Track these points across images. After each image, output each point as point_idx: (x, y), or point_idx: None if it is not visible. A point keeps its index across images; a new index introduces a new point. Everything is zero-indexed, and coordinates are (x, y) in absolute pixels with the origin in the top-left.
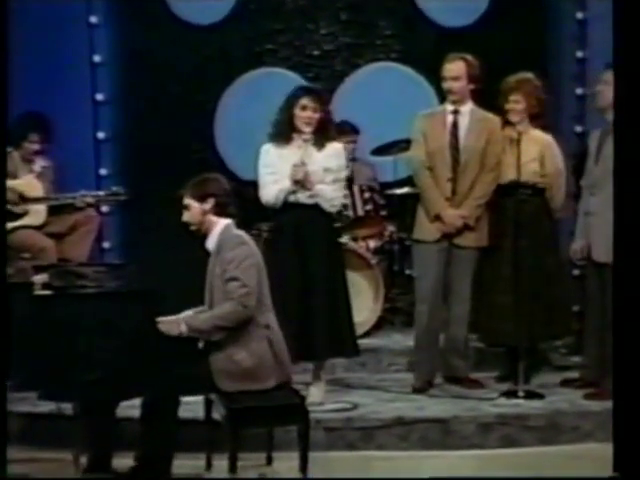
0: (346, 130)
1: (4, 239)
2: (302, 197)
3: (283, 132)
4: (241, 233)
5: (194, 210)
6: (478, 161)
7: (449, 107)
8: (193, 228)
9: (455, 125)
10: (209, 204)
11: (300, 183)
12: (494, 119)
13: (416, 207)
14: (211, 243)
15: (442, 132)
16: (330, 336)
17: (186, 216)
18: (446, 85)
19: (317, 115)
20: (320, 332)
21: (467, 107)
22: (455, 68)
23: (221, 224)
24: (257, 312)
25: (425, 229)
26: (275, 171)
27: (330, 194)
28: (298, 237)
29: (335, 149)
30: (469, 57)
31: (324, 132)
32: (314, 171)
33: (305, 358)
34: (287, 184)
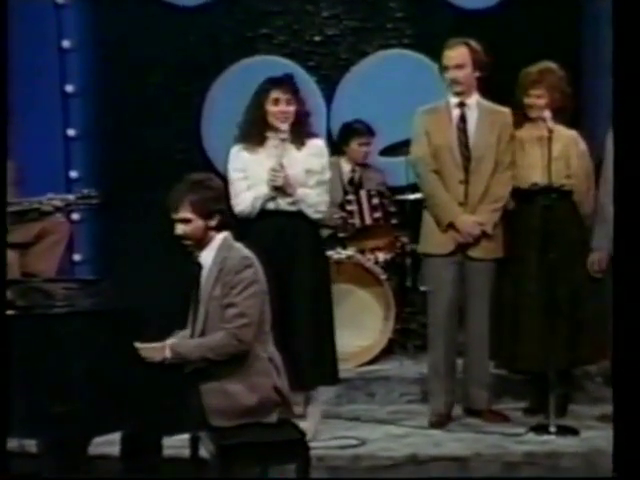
0: (359, 131)
1: (4, 239)
2: (283, 203)
3: (255, 132)
4: (247, 252)
5: (196, 226)
6: (491, 160)
7: (454, 100)
8: (189, 243)
9: (463, 119)
10: (215, 221)
11: (280, 189)
12: (505, 112)
13: (425, 217)
14: (207, 258)
15: (448, 129)
16: (314, 361)
17: (182, 230)
18: (449, 75)
19: (292, 108)
20: (305, 357)
21: (474, 99)
22: (458, 55)
23: (219, 237)
24: (257, 343)
25: (436, 241)
26: (248, 176)
27: (314, 199)
28: (280, 247)
29: (316, 147)
30: (472, 42)
31: (302, 126)
32: (295, 174)
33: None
34: (264, 190)
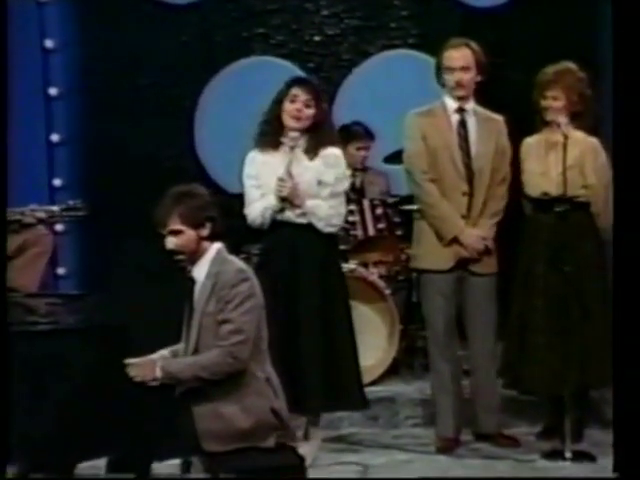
0: (358, 134)
1: (4, 241)
2: (292, 215)
3: (269, 133)
4: (242, 265)
5: (187, 237)
6: (491, 170)
7: (452, 104)
8: (181, 257)
9: (463, 126)
10: (206, 230)
11: (287, 200)
12: (500, 120)
13: (419, 228)
14: (200, 272)
15: (448, 135)
16: (326, 384)
17: (173, 243)
18: (454, 77)
19: (309, 111)
20: (313, 379)
21: (471, 104)
22: (463, 56)
23: (212, 249)
24: (254, 362)
25: (435, 255)
26: (261, 184)
27: (325, 211)
28: (290, 262)
29: (331, 156)
30: (472, 43)
31: (318, 135)
32: (305, 183)
33: (294, 411)
34: (273, 200)
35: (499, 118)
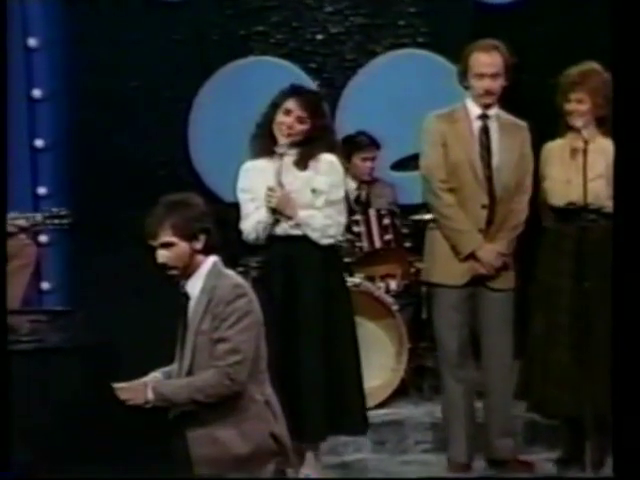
0: (362, 144)
1: (4, 243)
2: (288, 227)
3: (261, 143)
4: (239, 279)
5: (180, 250)
6: (513, 181)
7: (475, 110)
8: (174, 272)
9: (486, 133)
10: (201, 242)
11: (278, 210)
12: (524, 126)
13: (433, 239)
14: (194, 287)
15: (470, 142)
16: (326, 407)
17: (164, 257)
18: (482, 84)
19: (301, 127)
20: (312, 402)
21: (494, 110)
22: (494, 61)
23: (207, 263)
24: (252, 383)
25: (450, 270)
26: (255, 197)
27: (320, 222)
28: (285, 277)
29: (325, 161)
30: (502, 46)
31: (312, 146)
32: (298, 192)
33: (292, 435)
34: (265, 213)
35: (523, 124)
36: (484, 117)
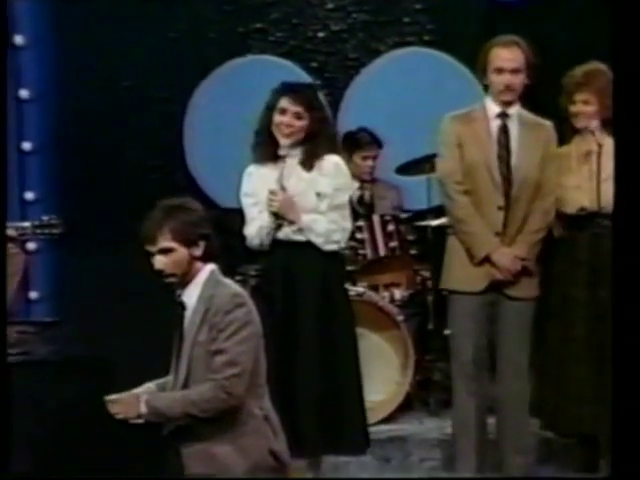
0: (364, 142)
1: (4, 244)
2: (290, 232)
3: (262, 146)
4: (237, 288)
5: (179, 256)
6: (534, 182)
7: (494, 108)
8: (172, 279)
9: (505, 133)
10: (200, 249)
11: (279, 215)
12: (549, 126)
13: (450, 245)
14: (191, 296)
15: (487, 142)
16: (325, 423)
17: (162, 263)
18: (503, 79)
19: (301, 123)
20: (310, 417)
21: (515, 109)
22: (515, 56)
23: (205, 271)
24: (250, 397)
25: (465, 275)
26: (258, 201)
27: (324, 227)
28: (285, 285)
29: (330, 164)
30: (522, 42)
31: (315, 144)
32: (301, 196)
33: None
34: (267, 218)
35: (547, 124)
36: (503, 116)
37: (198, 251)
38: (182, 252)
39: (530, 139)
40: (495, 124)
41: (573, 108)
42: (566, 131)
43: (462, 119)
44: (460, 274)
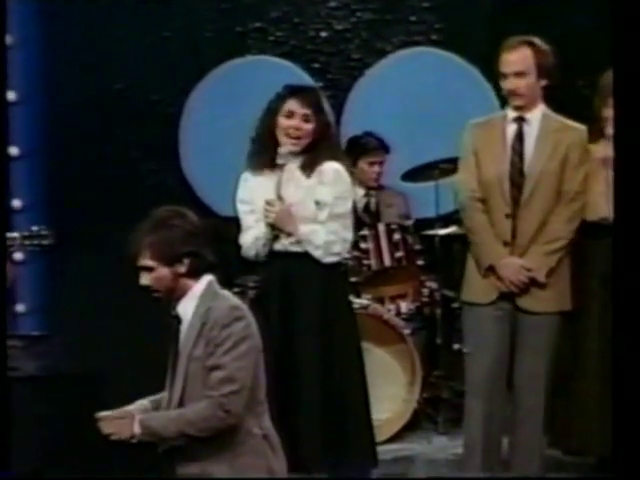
0: (369, 147)
1: (4, 245)
2: (288, 244)
3: (263, 152)
4: (236, 301)
5: (160, 275)
6: (551, 189)
7: (511, 113)
8: (159, 295)
9: (519, 137)
10: (184, 266)
11: (277, 226)
12: (577, 129)
13: (466, 255)
14: (187, 308)
15: (502, 148)
16: (329, 442)
17: (147, 280)
18: (508, 84)
19: (309, 126)
20: (312, 436)
21: (537, 112)
22: (519, 59)
23: (202, 283)
24: (249, 415)
25: (477, 287)
26: (255, 209)
27: (323, 237)
28: (282, 299)
29: (329, 170)
30: (536, 40)
31: (317, 151)
32: (300, 205)
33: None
34: (264, 229)
35: (577, 127)
36: (520, 120)
37: (182, 268)
38: (162, 271)
39: (550, 142)
40: (511, 129)
41: (606, 112)
42: (592, 135)
43: (481, 126)
44: (472, 286)
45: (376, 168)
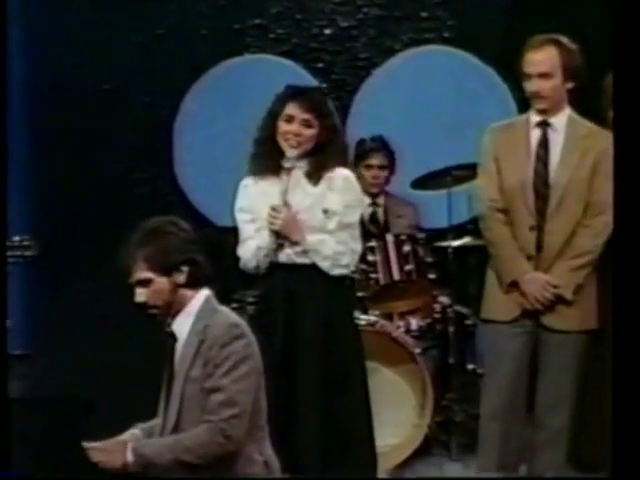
0: (367, 148)
1: (4, 244)
2: (293, 254)
3: (264, 158)
4: (235, 318)
5: (158, 287)
6: (579, 200)
7: (534, 117)
8: (156, 311)
9: (544, 144)
10: (183, 275)
11: (282, 234)
12: (606, 135)
13: (484, 269)
14: (182, 326)
15: (525, 155)
16: (330, 469)
17: (143, 295)
18: (531, 86)
19: (310, 132)
20: (312, 463)
21: (562, 117)
22: (544, 59)
23: (199, 298)
24: (250, 441)
25: (497, 303)
26: (256, 217)
27: (332, 248)
28: (286, 314)
29: (339, 178)
30: (563, 39)
31: (323, 155)
32: (306, 213)
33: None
34: (268, 237)
35: (605, 132)
36: (544, 125)
37: (181, 278)
38: (161, 282)
39: (578, 149)
40: (535, 135)
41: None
42: None
43: (502, 130)
44: (492, 302)
45: (375, 172)
